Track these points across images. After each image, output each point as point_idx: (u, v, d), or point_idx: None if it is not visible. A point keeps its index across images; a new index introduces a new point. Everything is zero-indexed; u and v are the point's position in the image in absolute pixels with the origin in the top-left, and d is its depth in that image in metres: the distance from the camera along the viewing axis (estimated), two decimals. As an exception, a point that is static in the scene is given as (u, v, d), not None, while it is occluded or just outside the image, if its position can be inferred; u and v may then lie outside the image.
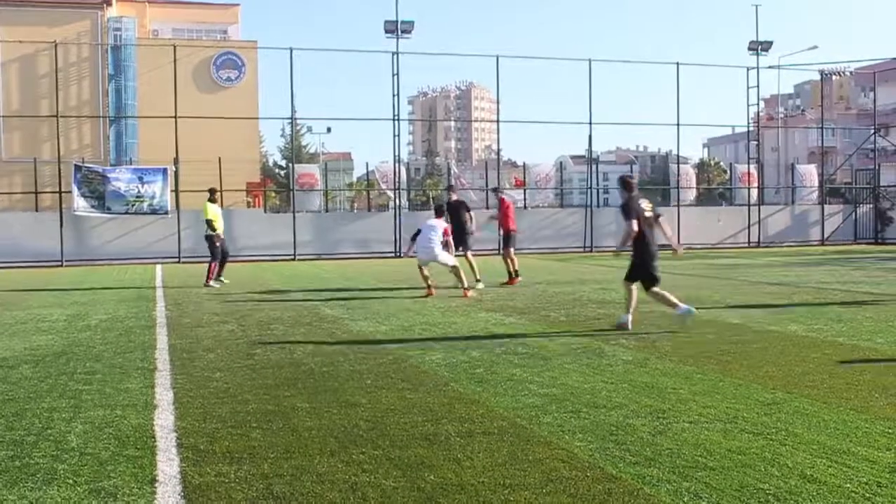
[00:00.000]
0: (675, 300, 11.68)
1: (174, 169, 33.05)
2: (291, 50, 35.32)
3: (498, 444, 5.94)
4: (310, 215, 36.34)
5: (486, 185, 38.62)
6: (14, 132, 43.70)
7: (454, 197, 20.42)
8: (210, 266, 20.62)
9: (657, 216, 12.22)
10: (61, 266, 30.62)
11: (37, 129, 41.94)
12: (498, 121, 39.38)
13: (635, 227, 11.59)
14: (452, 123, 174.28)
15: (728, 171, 51.10)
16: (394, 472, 5.34)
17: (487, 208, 36.86)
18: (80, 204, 31.73)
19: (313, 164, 47.38)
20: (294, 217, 34.81)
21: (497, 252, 26.21)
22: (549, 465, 5.45)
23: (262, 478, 5.25)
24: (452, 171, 42.41)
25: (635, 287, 11.92)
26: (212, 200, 20.96)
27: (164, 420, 6.78)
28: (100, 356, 10.06)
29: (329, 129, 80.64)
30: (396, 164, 37.27)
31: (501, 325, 12.39)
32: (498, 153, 41.07)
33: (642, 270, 11.78)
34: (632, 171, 46.13)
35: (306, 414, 6.93)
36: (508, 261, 19.92)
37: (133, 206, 32.39)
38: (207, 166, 33.40)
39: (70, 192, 32.09)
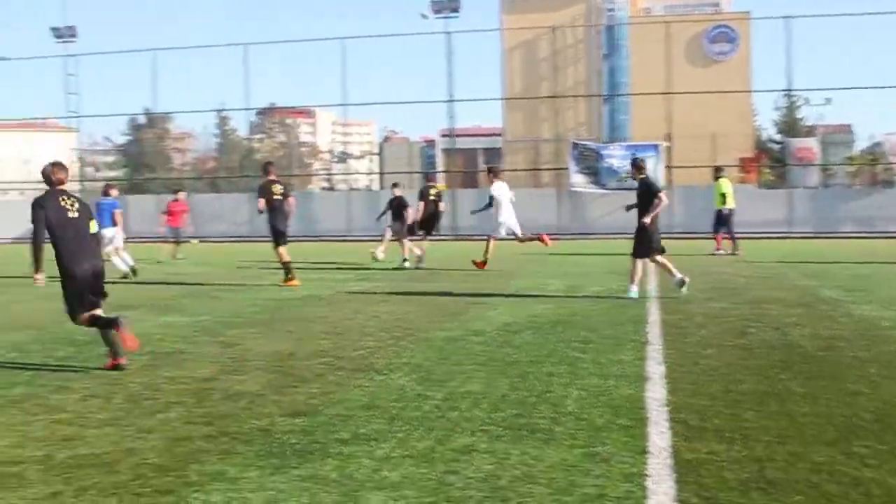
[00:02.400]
0: (637, 280, 13.34)
1: (666, 145, 33.32)
2: (787, 18, 33.96)
3: None
4: (806, 192, 34.77)
5: None
6: (516, 113, 46.71)
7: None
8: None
9: None
10: (558, 239, 32.26)
11: (536, 109, 44.48)
12: None
13: (665, 198, 13.17)
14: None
15: None
16: (902, 469, 4.90)
17: None
18: (576, 180, 33.23)
19: (811, 138, 45.16)
20: (790, 193, 33.56)
21: None
22: None
23: (755, 461, 5.09)
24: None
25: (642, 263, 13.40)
26: (718, 178, 23.49)
27: (656, 393, 6.85)
28: (594, 327, 10.42)
29: (828, 100, 75.62)
30: (906, 136, 34.42)
31: None
32: None
33: (649, 246, 13.16)
34: None
35: (802, 399, 6.61)
36: None
37: (625, 181, 33.19)
38: (699, 142, 33.30)
39: (566, 168, 33.69)
